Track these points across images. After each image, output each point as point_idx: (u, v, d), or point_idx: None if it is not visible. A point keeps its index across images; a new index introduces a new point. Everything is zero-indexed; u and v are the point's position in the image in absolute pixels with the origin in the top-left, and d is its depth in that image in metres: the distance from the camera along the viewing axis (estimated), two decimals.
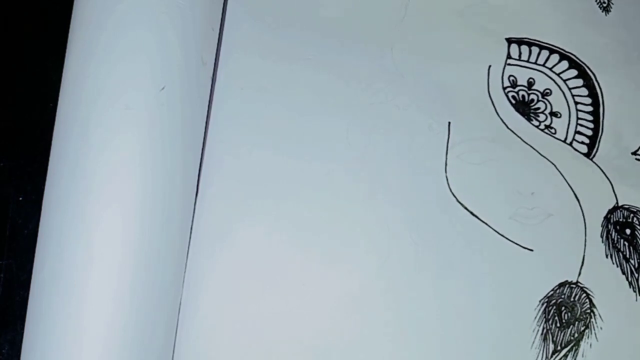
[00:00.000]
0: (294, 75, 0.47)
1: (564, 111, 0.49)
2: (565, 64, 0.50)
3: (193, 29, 0.42)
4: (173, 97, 0.40)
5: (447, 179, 0.47)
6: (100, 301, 0.37)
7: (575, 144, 0.49)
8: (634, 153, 0.49)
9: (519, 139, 0.48)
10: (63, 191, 0.39)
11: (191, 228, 0.44)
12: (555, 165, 0.48)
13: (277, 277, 0.44)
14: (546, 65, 0.50)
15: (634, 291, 0.46)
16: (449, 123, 0.47)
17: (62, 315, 0.37)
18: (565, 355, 0.45)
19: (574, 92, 0.50)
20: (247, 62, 0.47)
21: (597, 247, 0.47)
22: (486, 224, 0.46)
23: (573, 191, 0.47)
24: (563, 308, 0.46)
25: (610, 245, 0.47)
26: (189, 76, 0.42)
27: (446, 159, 0.47)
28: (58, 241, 0.38)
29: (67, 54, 0.42)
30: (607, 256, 0.47)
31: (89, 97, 0.40)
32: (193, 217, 0.44)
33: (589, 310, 0.46)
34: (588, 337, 0.45)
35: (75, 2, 0.42)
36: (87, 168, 0.39)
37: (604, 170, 0.48)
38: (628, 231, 0.47)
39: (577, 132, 0.49)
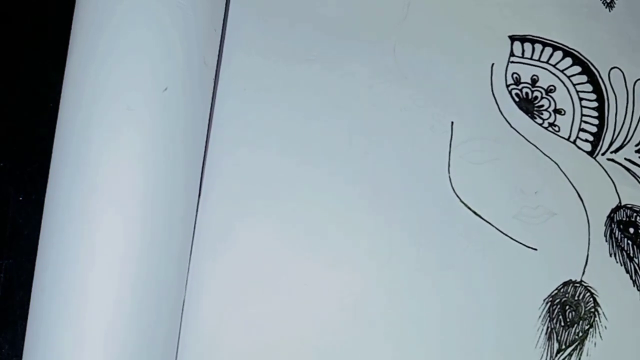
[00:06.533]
0: (296, 75, 0.47)
1: (568, 108, 0.49)
2: (569, 60, 0.50)
3: (195, 29, 0.42)
4: (175, 98, 0.40)
5: (450, 179, 0.46)
6: (102, 302, 0.37)
7: (579, 141, 0.49)
8: (639, 151, 0.49)
9: (523, 138, 0.48)
10: (65, 192, 0.39)
11: (194, 229, 0.43)
12: (558, 165, 0.48)
13: (279, 278, 0.44)
14: (550, 62, 0.49)
15: (639, 290, 0.46)
16: (452, 123, 0.47)
17: (64, 315, 0.37)
18: (570, 354, 0.45)
19: (579, 88, 0.49)
20: (249, 62, 0.47)
21: (601, 246, 0.47)
22: (490, 223, 0.46)
23: (576, 190, 0.47)
24: (567, 307, 0.45)
25: (614, 244, 0.47)
26: (191, 77, 0.42)
27: (449, 159, 0.47)
28: (60, 242, 0.38)
29: (68, 54, 0.41)
30: (611, 255, 0.47)
31: (90, 98, 0.40)
32: (196, 218, 0.44)
33: (593, 309, 0.46)
34: (592, 336, 0.45)
35: (77, 2, 0.42)
36: (89, 169, 0.39)
37: (607, 169, 0.48)
38: (631, 230, 0.47)
39: (581, 129, 0.49)
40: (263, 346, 0.43)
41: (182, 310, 0.43)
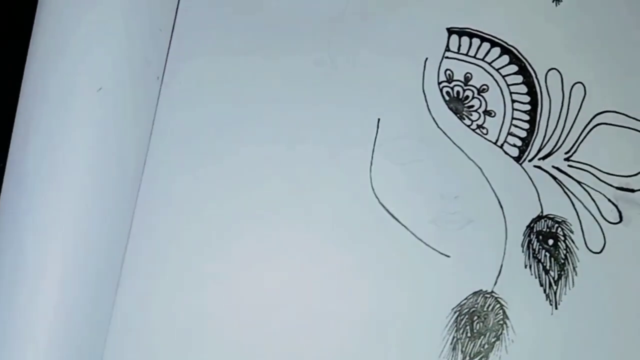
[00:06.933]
0: (234, 69, 0.46)
1: (499, 110, 0.47)
2: (506, 58, 0.47)
3: (137, 30, 0.42)
4: (112, 97, 0.41)
5: (370, 179, 0.45)
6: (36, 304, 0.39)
7: (506, 146, 0.46)
8: (567, 159, 0.46)
9: (448, 140, 0.46)
10: (10, 194, 0.41)
11: (130, 225, 0.44)
12: (481, 169, 0.45)
13: (200, 278, 0.44)
14: (486, 59, 0.47)
15: (551, 304, 0.44)
16: (379, 120, 0.46)
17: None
18: None
19: (512, 89, 0.46)
20: (194, 59, 0.46)
21: (517, 256, 0.45)
22: (405, 226, 0.45)
23: (497, 197, 0.45)
24: (475, 317, 0.44)
25: (531, 256, 0.45)
26: (131, 76, 0.42)
27: (372, 157, 0.45)
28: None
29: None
30: (526, 267, 0.45)
31: (30, 98, 0.41)
32: (133, 215, 0.45)
33: (501, 322, 0.44)
34: (498, 349, 0.44)
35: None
36: (29, 169, 0.40)
37: (532, 177, 0.46)
38: (551, 242, 0.45)
39: (510, 133, 0.46)
40: (182, 343, 0.44)
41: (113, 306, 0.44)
